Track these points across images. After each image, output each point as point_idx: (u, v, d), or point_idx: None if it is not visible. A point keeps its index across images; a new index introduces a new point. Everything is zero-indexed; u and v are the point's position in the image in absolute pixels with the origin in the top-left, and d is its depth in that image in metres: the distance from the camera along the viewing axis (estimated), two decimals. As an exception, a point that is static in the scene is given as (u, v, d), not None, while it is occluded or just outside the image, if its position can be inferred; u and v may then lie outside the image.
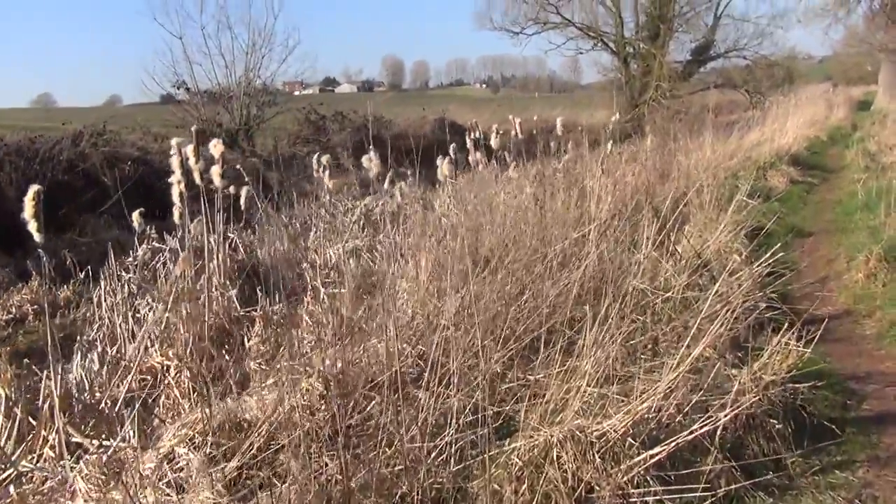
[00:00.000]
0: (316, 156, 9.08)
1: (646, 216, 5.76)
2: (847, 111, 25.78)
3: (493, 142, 8.89)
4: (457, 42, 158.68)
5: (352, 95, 72.08)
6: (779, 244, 6.88)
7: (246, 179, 8.06)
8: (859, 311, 6.03)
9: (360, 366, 4.41)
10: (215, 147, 5.56)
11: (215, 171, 5.59)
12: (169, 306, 5.55)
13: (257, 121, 19.02)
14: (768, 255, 5.95)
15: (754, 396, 3.46)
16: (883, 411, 4.20)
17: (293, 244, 8.63)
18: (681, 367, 3.30)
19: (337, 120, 20.92)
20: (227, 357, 5.28)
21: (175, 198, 5.65)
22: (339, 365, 4.29)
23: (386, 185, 9.38)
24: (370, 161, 6.48)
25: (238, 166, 9.27)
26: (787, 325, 4.15)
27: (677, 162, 11.29)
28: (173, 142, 5.63)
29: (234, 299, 6.10)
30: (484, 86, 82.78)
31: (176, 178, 5.59)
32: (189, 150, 5.54)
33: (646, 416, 3.16)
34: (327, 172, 8.58)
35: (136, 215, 6.46)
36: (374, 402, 3.97)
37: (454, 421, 3.48)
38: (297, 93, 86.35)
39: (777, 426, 3.59)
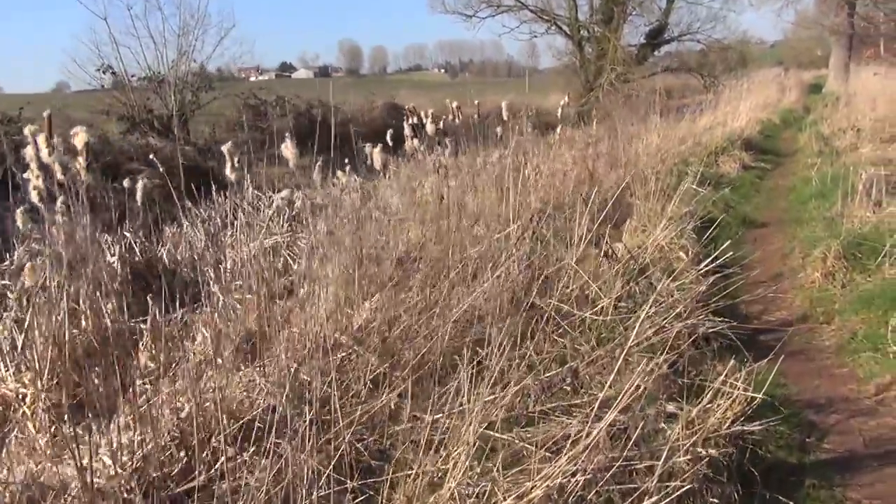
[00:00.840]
0: (226, 146, 8.07)
1: (578, 210, 4.94)
2: (799, 94, 25.35)
3: (429, 127, 8.05)
4: (415, 28, 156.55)
5: (308, 81, 70.34)
6: (728, 241, 6.13)
7: (161, 170, 7.22)
8: (817, 317, 5.29)
9: (227, 402, 3.54)
10: (77, 137, 4.64)
11: (80, 163, 4.70)
12: (27, 323, 4.63)
13: (192, 107, 17.81)
14: (715, 254, 5.21)
15: (688, 462, 2.65)
16: (847, 452, 3.43)
17: (210, 242, 7.72)
18: (598, 429, 2.47)
19: (279, 105, 19.82)
20: (96, 381, 4.37)
21: (33, 196, 4.70)
22: (188, 408, 3.40)
23: (315, 175, 8.53)
24: (287, 149, 5.65)
25: (151, 156, 8.32)
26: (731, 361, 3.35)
27: (624, 148, 10.55)
28: (27, 130, 4.68)
29: (120, 310, 5.17)
30: (442, 71, 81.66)
31: (33, 173, 4.64)
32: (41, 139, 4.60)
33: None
34: (234, 161, 7.61)
35: (19, 213, 5.51)
36: (221, 458, 3.12)
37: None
38: (252, 78, 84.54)
39: (720, 490, 2.79)
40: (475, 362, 3.65)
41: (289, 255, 7.22)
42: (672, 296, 4.43)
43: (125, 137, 15.28)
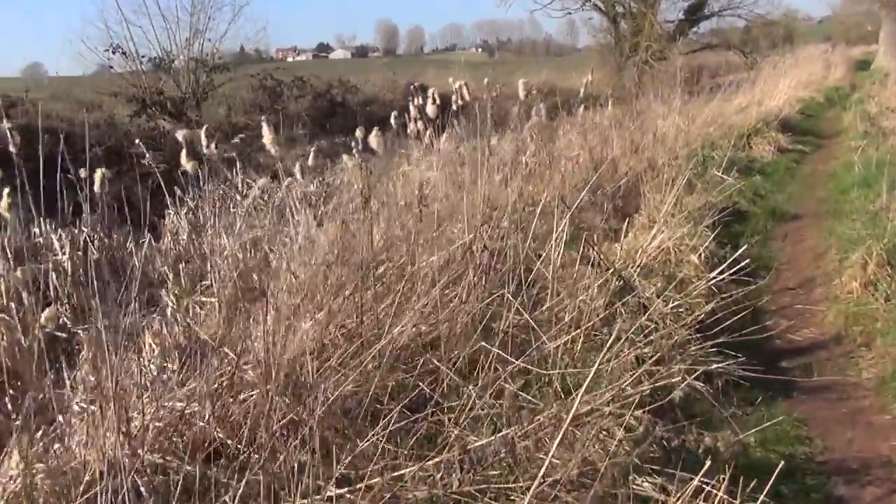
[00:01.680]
0: (181, 132, 7.30)
1: (557, 211, 4.03)
2: (845, 71, 23.73)
3: (430, 109, 7.22)
4: (453, 7, 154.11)
5: (346, 61, 69.64)
6: (752, 239, 5.20)
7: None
8: (853, 337, 4.32)
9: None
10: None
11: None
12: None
13: (207, 88, 17.15)
14: (732, 257, 4.27)
15: None
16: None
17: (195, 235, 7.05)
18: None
19: (296, 86, 19.07)
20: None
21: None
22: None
23: (311, 160, 7.80)
24: (267, 136, 4.94)
25: (137, 141, 7.65)
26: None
27: (642, 131, 9.56)
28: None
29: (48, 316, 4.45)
30: (479, 50, 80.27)
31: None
32: None
33: None
34: (211, 147, 6.87)
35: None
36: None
37: None
38: (290, 59, 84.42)
39: None
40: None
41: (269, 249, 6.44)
42: (666, 321, 3.52)
43: (132, 121, 14.69)
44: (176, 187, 6.95)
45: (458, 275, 3.87)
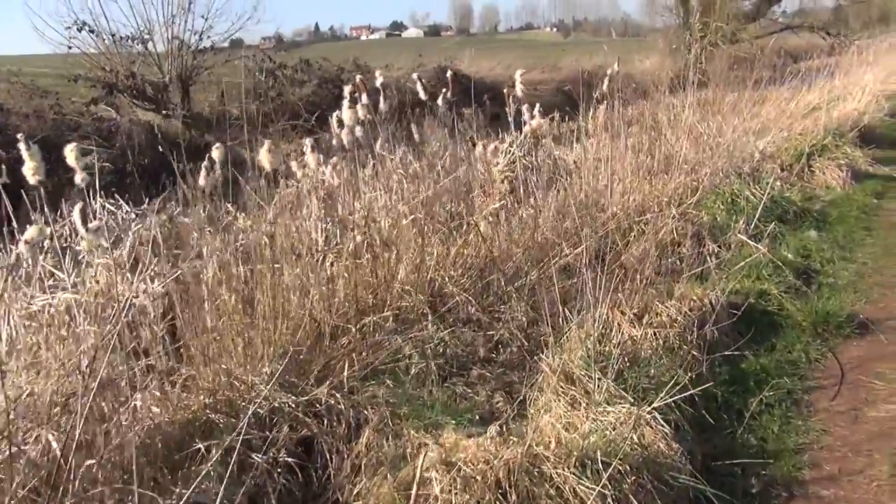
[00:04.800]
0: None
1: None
2: (951, 58, 19.33)
3: (346, 115, 4.59)
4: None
5: (418, 40, 66.71)
6: (762, 397, 2.59)
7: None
8: None
9: None
10: None
11: None
12: None
13: (194, 72, 14.74)
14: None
15: None
16: None
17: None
18: None
19: (302, 70, 16.50)
20: None
21: None
22: None
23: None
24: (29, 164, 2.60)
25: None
26: None
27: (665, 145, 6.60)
28: None
29: None
30: (555, 30, 76.19)
31: None
32: None
33: None
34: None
35: None
36: None
37: None
38: (363, 37, 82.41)
39: None
40: None
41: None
42: None
43: (88, 108, 12.40)
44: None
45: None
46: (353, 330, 3.01)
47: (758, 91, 9.63)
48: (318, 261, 3.45)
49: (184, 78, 14.51)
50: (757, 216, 4.93)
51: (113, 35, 13.70)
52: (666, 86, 9.43)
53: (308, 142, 4.37)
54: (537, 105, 6.07)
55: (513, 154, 6.20)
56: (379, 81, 5.02)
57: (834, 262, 4.90)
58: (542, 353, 2.98)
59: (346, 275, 3.35)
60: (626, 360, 2.96)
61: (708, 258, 4.58)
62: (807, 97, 10.25)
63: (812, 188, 6.65)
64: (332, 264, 3.50)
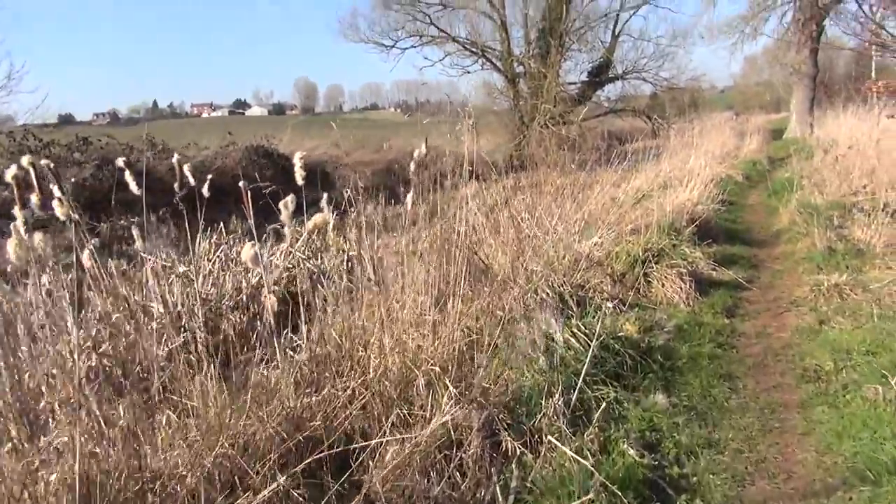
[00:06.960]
0: None
1: None
2: (761, 141, 19.65)
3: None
4: (373, 67, 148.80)
5: (262, 118, 64.04)
6: None
7: None
8: None
9: None
10: None
11: None
12: None
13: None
14: None
15: None
16: None
17: None
18: None
19: (78, 150, 13.69)
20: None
21: None
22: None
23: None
24: None
25: None
26: None
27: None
28: None
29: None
30: (398, 110, 76.51)
31: None
32: None
33: None
34: None
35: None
36: None
37: None
38: (205, 115, 78.96)
39: None
40: None
41: None
42: None
43: None
44: None
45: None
46: None
47: (585, 172, 8.24)
48: None
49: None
50: (582, 377, 3.09)
51: None
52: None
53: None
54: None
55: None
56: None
57: (696, 454, 3.09)
58: None
59: None
60: None
61: (504, 472, 2.64)
62: (635, 182, 9.01)
63: (651, 308, 4.99)
64: None
